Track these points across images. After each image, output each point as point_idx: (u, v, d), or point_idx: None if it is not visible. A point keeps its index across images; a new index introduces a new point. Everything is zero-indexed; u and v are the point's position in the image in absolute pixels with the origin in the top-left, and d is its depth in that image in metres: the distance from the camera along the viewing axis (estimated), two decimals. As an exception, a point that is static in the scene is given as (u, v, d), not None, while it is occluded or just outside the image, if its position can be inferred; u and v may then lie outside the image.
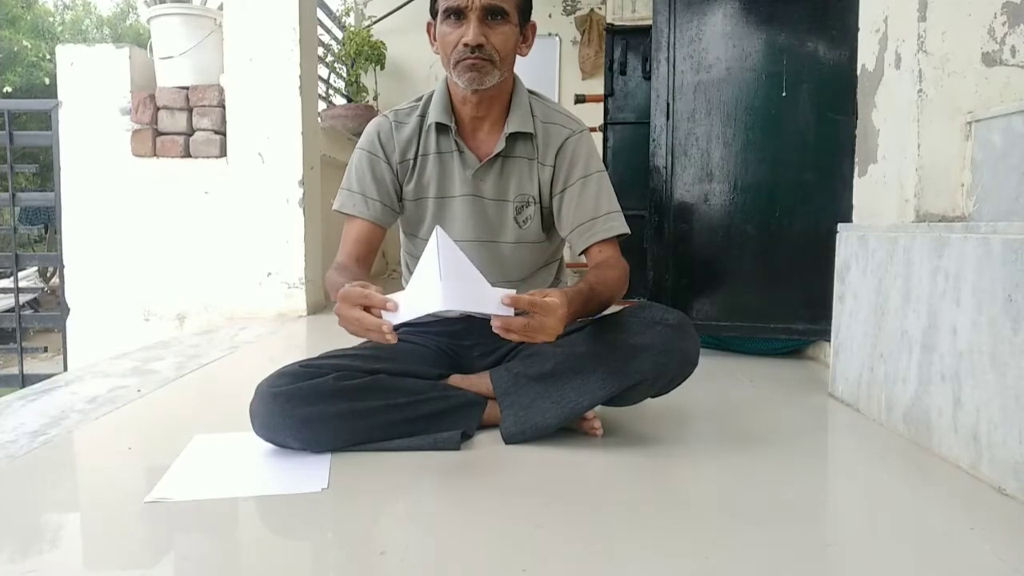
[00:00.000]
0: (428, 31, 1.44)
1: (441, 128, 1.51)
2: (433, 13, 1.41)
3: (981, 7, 1.61)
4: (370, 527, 1.12)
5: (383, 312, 1.16)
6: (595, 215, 1.50)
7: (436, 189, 1.54)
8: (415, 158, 1.54)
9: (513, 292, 1.19)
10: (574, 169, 1.52)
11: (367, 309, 1.17)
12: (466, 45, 1.37)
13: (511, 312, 1.18)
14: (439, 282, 1.13)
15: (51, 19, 15.96)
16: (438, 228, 1.20)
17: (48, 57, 13.63)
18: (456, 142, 1.51)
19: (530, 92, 1.56)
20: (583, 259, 1.56)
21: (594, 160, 1.55)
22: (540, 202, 1.56)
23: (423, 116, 1.54)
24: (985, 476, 1.26)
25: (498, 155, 1.51)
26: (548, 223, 1.59)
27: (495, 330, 1.18)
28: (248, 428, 1.37)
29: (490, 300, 1.18)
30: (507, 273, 1.60)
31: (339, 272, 1.43)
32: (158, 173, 3.41)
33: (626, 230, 1.52)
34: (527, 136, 1.52)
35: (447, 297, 1.12)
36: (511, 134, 1.50)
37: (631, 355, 1.38)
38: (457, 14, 1.37)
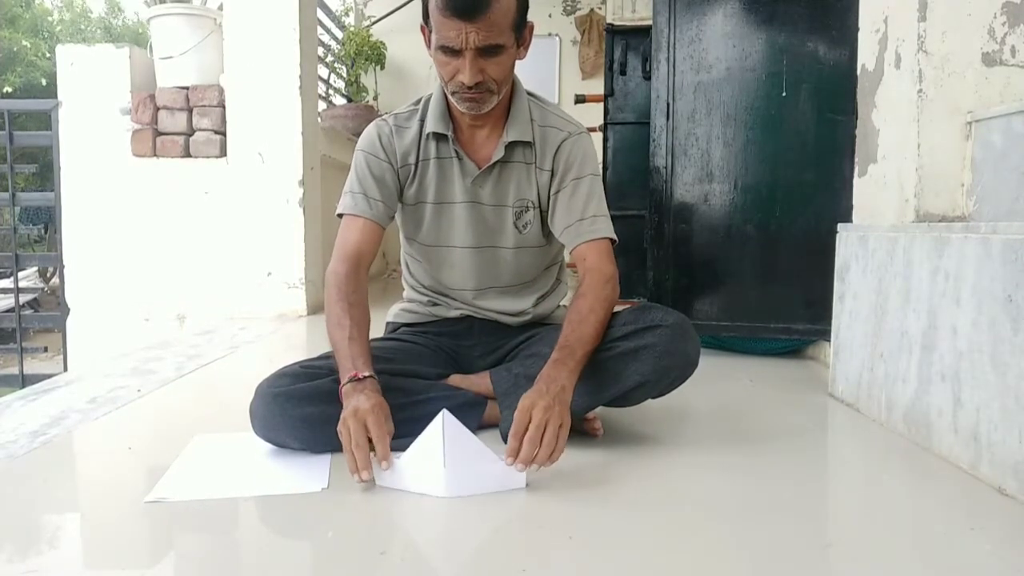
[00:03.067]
0: (422, 33, 1.39)
1: (439, 136, 1.50)
2: (426, 18, 1.35)
3: (981, 7, 1.61)
4: (370, 527, 1.12)
5: (381, 461, 1.20)
6: (582, 216, 1.49)
7: (435, 194, 1.53)
8: (416, 163, 1.52)
9: (510, 461, 1.19)
10: (569, 171, 1.51)
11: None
12: (463, 83, 1.34)
13: (523, 474, 1.19)
14: (443, 470, 1.17)
15: (50, 19, 15.92)
16: (444, 412, 1.22)
17: (48, 56, 13.63)
18: (455, 150, 1.49)
19: (528, 94, 1.54)
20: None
21: (588, 163, 1.53)
22: (540, 206, 1.55)
23: (423, 121, 1.52)
24: (985, 476, 1.26)
25: (496, 162, 1.49)
26: (548, 227, 1.57)
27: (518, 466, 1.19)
28: (248, 428, 1.37)
29: (498, 472, 1.20)
30: (509, 278, 1.59)
31: (346, 307, 1.37)
32: (158, 173, 3.40)
33: (611, 235, 1.49)
34: (526, 142, 1.51)
35: (451, 484, 1.17)
36: (510, 142, 1.49)
37: (632, 357, 1.38)
38: (452, 51, 1.32)
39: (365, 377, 1.28)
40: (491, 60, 1.33)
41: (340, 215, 1.52)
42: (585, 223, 1.48)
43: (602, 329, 1.39)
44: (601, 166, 3.02)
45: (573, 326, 1.36)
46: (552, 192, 1.52)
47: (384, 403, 1.25)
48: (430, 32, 1.35)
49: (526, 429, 1.19)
